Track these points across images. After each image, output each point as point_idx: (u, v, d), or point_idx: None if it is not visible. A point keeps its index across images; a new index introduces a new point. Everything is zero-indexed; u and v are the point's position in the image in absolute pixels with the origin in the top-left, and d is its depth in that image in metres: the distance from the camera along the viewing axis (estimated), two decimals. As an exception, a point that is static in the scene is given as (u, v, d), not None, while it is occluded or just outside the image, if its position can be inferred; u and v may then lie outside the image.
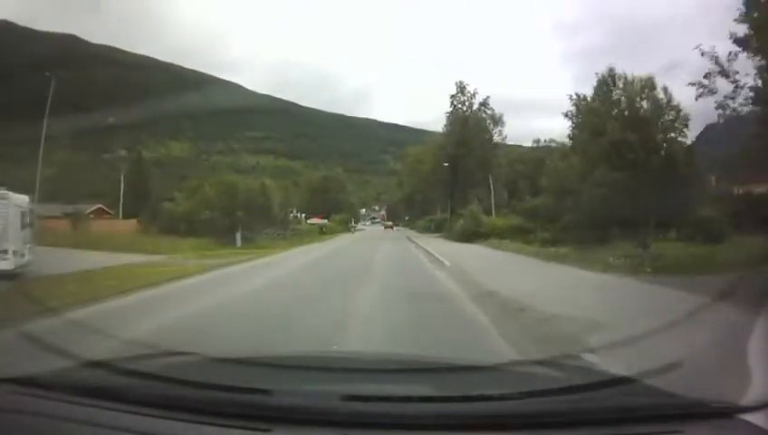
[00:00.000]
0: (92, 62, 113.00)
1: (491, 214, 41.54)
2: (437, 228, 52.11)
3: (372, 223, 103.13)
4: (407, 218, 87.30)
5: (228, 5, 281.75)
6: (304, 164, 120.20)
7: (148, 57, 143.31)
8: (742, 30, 17.78)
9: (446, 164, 49.35)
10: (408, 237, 42.37)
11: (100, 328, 6.47)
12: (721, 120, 20.30)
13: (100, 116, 67.24)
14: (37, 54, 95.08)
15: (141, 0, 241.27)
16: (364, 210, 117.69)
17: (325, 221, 61.40)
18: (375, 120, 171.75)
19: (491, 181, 46.22)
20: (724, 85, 18.57)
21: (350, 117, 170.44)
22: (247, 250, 25.15)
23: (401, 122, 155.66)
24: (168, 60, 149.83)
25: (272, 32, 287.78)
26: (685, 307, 6.97)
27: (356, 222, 51.01)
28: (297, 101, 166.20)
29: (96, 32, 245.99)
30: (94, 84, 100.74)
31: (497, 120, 52.44)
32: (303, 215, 62.91)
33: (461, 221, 37.97)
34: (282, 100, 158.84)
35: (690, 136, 27.33)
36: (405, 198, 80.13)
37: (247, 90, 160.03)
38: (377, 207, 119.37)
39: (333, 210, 71.32)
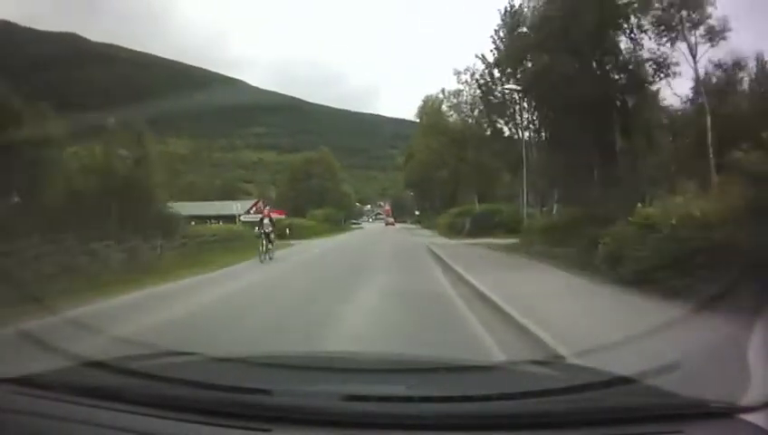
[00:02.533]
0: (94, 61, 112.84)
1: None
2: (481, 228, 29.50)
3: (375, 219, 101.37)
4: (417, 213, 64.52)
5: (233, 2, 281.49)
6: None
7: (151, 55, 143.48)
8: None
9: (508, 87, 24.97)
10: (432, 255, 18.13)
11: None
12: None
13: (102, 114, 67.07)
14: (38, 54, 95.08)
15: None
16: (369, 206, 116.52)
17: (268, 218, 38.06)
18: (381, 116, 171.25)
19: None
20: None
21: (356, 112, 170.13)
22: None
23: (408, 117, 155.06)
24: (172, 57, 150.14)
25: (277, 28, 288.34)
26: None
27: (310, 220, 38.60)
28: (303, 97, 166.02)
29: (98, 30, 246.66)
30: (95, 82, 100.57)
31: None
32: (260, 209, 51.24)
33: None
34: (287, 96, 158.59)
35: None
36: (417, 179, 54.26)
37: (252, 86, 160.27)
38: (382, 203, 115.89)
39: (318, 202, 52.30)
